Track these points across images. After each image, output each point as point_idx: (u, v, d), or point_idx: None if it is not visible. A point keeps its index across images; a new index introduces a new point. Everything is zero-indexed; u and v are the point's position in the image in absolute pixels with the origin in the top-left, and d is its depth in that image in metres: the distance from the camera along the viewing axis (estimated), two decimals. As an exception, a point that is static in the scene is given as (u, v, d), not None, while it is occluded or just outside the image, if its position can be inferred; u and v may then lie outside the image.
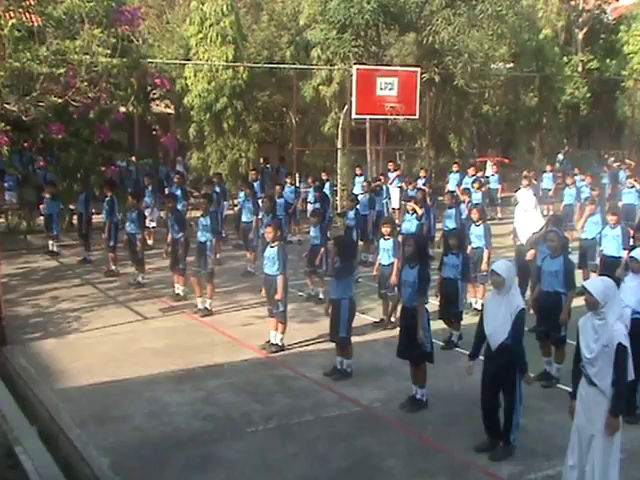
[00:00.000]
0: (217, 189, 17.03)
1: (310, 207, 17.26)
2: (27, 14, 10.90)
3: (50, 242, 16.79)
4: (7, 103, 9.53)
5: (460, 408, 7.90)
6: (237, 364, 9.43)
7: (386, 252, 10.84)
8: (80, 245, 16.77)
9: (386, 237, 10.81)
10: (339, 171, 23.12)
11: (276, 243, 9.83)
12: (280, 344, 9.90)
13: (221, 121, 21.30)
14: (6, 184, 19.44)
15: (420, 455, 6.92)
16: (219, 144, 21.54)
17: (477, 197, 17.28)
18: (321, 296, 12.37)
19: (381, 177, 19.63)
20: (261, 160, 23.13)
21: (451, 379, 8.75)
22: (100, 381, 8.81)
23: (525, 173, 20.01)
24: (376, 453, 6.91)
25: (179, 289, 12.69)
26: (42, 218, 17.52)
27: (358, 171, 20.28)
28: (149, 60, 16.84)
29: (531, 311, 8.67)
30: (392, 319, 10.01)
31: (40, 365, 9.46)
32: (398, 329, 8.35)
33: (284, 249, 9.95)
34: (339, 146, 23.61)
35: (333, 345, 9.09)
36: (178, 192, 16.42)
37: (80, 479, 6.41)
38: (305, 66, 23.14)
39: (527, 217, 12.05)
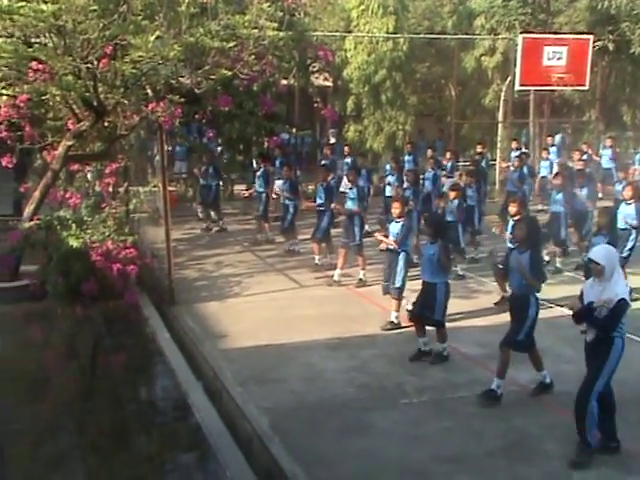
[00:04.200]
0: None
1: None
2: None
3: (212, 212, 17.17)
4: (181, 76, 10.05)
5: (625, 395, 7.51)
6: (391, 335, 9.50)
7: None
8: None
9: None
10: (499, 145, 22.50)
11: (402, 219, 9.74)
12: (396, 322, 9.74)
13: (379, 93, 21.27)
14: (177, 155, 20.43)
15: (581, 441, 6.67)
16: (376, 116, 21.54)
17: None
18: (460, 273, 12.22)
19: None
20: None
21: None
22: (259, 344, 9.19)
23: None
24: (533, 435, 6.75)
25: (317, 258, 12.95)
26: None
27: (514, 144, 19.58)
28: (312, 33, 17.11)
29: None
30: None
31: (204, 325, 10.01)
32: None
33: (410, 225, 9.87)
34: (500, 119, 22.94)
35: (489, 322, 8.92)
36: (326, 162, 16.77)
37: (242, 435, 6.74)
38: (467, 36, 22.58)
39: None
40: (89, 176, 13.52)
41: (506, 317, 8.89)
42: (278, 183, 15.37)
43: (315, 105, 21.87)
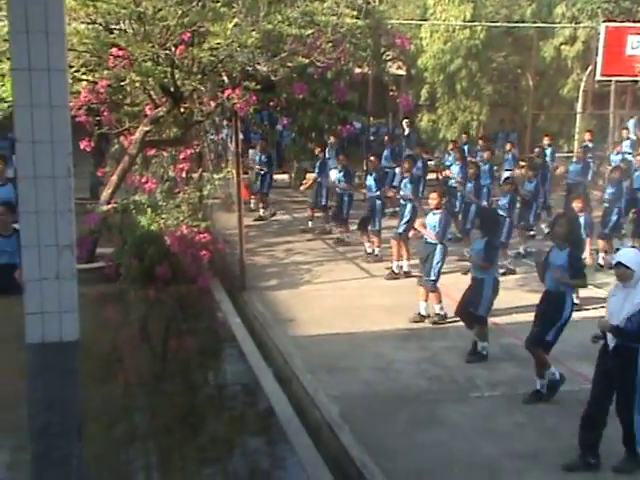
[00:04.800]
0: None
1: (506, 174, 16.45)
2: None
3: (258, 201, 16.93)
4: (258, 63, 10.10)
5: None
6: (462, 328, 9.27)
7: None
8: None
9: None
10: (576, 136, 21.89)
11: (439, 210, 9.59)
12: (442, 313, 9.61)
13: (454, 82, 20.96)
14: (253, 142, 20.54)
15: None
16: (451, 106, 21.25)
17: None
18: (510, 267, 12.06)
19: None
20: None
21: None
22: (329, 332, 9.20)
23: None
24: (608, 435, 6.51)
25: (370, 248, 12.93)
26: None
27: (587, 136, 18.90)
28: (388, 21, 16.96)
29: None
30: None
31: (275, 311, 10.08)
32: None
33: (447, 217, 9.73)
34: (579, 110, 22.31)
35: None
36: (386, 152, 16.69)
37: (311, 422, 6.75)
38: (547, 24, 22.00)
39: None
40: (165, 161, 13.73)
41: (581, 312, 8.72)
42: (334, 172, 15.34)
43: (391, 94, 21.72)
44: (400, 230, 11.93)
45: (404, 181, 12.41)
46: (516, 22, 22.55)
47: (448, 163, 16.26)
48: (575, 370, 7.97)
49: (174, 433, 5.99)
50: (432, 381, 7.75)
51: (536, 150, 16.69)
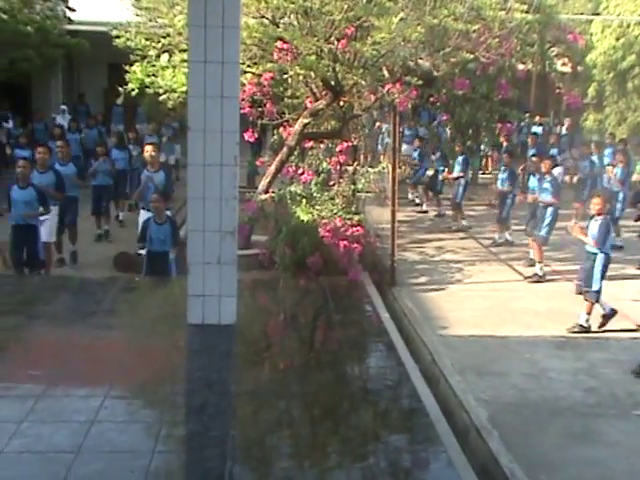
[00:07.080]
0: None
1: None
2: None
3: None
4: (420, 58, 10.02)
5: None
6: (625, 340, 8.84)
7: None
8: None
9: None
10: None
11: (601, 216, 9.01)
12: (586, 325, 9.06)
13: (625, 81, 19.91)
14: (405, 138, 20.52)
15: None
16: (620, 105, 20.19)
17: None
18: None
19: None
20: None
21: None
22: (479, 334, 8.98)
23: None
24: None
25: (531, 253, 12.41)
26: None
27: None
28: (558, 16, 16.29)
29: None
30: None
31: (424, 309, 9.97)
32: None
33: (608, 224, 9.09)
34: None
35: None
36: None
37: (458, 424, 6.61)
38: None
39: None
40: (321, 154, 13.93)
41: None
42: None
43: (557, 91, 20.89)
44: (542, 233, 11.52)
45: (544, 182, 11.90)
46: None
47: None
48: None
49: (323, 423, 6.05)
50: (589, 393, 7.36)
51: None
